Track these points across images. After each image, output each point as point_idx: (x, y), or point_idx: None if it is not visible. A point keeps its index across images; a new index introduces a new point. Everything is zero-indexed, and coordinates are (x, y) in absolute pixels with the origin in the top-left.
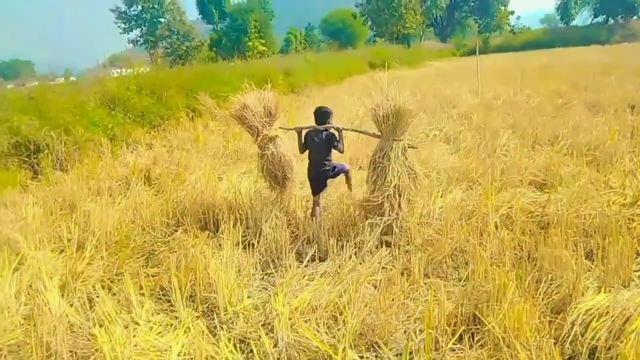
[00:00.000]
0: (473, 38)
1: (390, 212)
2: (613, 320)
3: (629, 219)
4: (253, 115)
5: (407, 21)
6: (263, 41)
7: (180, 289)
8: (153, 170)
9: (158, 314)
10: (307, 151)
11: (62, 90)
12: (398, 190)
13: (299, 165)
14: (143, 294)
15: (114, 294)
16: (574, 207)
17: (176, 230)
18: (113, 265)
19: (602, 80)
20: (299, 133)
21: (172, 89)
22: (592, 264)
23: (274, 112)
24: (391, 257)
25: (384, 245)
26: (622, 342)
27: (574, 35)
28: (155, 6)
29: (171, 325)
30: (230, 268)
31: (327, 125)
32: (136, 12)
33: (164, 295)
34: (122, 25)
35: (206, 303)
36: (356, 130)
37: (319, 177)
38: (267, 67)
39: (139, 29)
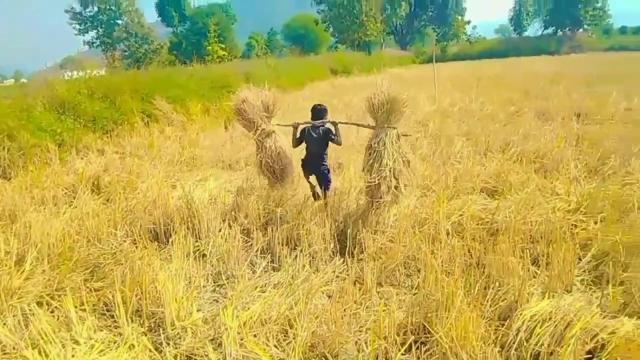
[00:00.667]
0: (431, 46)
1: (386, 195)
2: (555, 326)
3: (572, 225)
4: (252, 110)
5: (368, 29)
6: (223, 45)
7: (125, 303)
8: (103, 177)
9: (101, 330)
10: (305, 145)
11: (8, 93)
12: (394, 174)
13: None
14: (85, 310)
15: (52, 311)
16: (521, 214)
17: (124, 242)
18: (54, 279)
19: (551, 89)
20: (295, 128)
21: (126, 93)
22: (538, 269)
23: (271, 108)
24: (345, 266)
25: (338, 254)
26: (562, 347)
27: (526, 45)
28: (113, 8)
29: (114, 343)
30: (179, 280)
31: (324, 120)
32: (92, 14)
33: (107, 310)
34: (77, 27)
35: (153, 318)
36: (351, 124)
37: (315, 169)
38: (227, 71)
39: (95, 31)
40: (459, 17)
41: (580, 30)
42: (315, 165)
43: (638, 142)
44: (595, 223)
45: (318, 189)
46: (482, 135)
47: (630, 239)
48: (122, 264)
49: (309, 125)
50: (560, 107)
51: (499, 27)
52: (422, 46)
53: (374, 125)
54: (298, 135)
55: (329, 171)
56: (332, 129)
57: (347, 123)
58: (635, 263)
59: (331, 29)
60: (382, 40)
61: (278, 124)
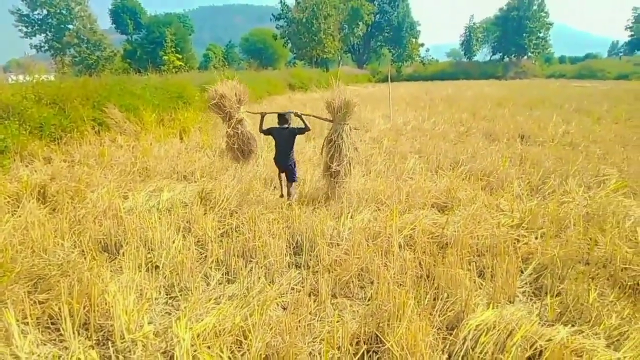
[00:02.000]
0: (387, 66)
1: (345, 177)
2: (499, 335)
3: (515, 239)
4: (229, 102)
5: (326, 46)
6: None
7: (71, 316)
8: (50, 186)
9: (44, 344)
10: (275, 143)
11: None
12: (348, 162)
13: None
14: (27, 324)
15: None
16: (469, 229)
17: (72, 253)
18: None
19: (498, 112)
20: (262, 116)
21: (76, 99)
22: (483, 281)
23: (242, 99)
24: (301, 278)
25: (293, 266)
26: (504, 354)
27: (476, 69)
28: (63, 12)
29: (59, 358)
30: (130, 292)
31: (289, 111)
32: (41, 17)
33: (52, 324)
34: (24, 29)
35: (101, 331)
36: (311, 115)
37: (283, 163)
38: (183, 82)
39: (43, 35)
40: (413, 40)
41: (525, 57)
42: (283, 161)
43: (574, 163)
44: (536, 238)
45: (284, 191)
46: (434, 153)
47: (567, 253)
48: (69, 276)
49: (276, 126)
50: (505, 129)
51: (450, 51)
52: (378, 65)
53: (332, 119)
54: (265, 128)
55: (295, 165)
56: (296, 128)
57: (309, 115)
58: (570, 275)
59: (290, 45)
60: (339, 58)
61: (248, 111)
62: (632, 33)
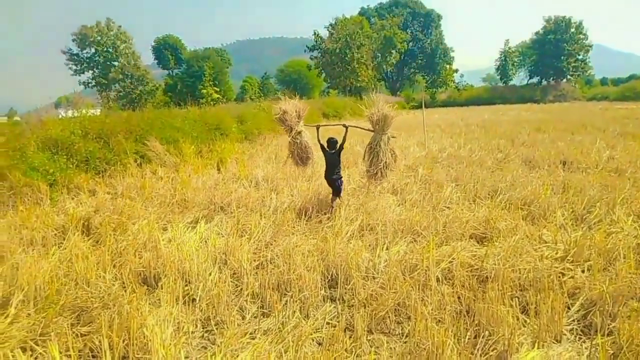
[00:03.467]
0: (421, 93)
1: (382, 178)
2: None
3: (560, 273)
4: (290, 117)
5: (359, 75)
6: (217, 88)
7: (111, 349)
8: (94, 219)
9: None
10: (325, 160)
11: (1, 131)
12: (385, 165)
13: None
14: (70, 356)
15: (36, 358)
16: (510, 262)
17: (113, 285)
18: (39, 324)
19: (537, 137)
20: (317, 128)
21: (120, 133)
22: (527, 318)
23: (301, 114)
24: (336, 313)
25: (329, 300)
26: None
27: (512, 93)
28: (109, 50)
29: None
30: (168, 326)
31: (339, 123)
32: (89, 55)
33: (93, 357)
34: (74, 67)
35: None
36: (357, 127)
37: (332, 179)
38: (220, 114)
39: (91, 71)
40: (447, 66)
41: (564, 80)
42: (331, 174)
43: (622, 190)
44: (583, 271)
45: (334, 200)
46: (471, 182)
47: (617, 288)
48: (110, 308)
49: (327, 150)
50: (546, 155)
51: (485, 76)
52: (412, 92)
53: (373, 130)
54: (320, 142)
55: (341, 178)
56: (339, 149)
57: (355, 126)
58: (622, 312)
59: (323, 75)
60: (373, 86)
61: (305, 125)
62: None
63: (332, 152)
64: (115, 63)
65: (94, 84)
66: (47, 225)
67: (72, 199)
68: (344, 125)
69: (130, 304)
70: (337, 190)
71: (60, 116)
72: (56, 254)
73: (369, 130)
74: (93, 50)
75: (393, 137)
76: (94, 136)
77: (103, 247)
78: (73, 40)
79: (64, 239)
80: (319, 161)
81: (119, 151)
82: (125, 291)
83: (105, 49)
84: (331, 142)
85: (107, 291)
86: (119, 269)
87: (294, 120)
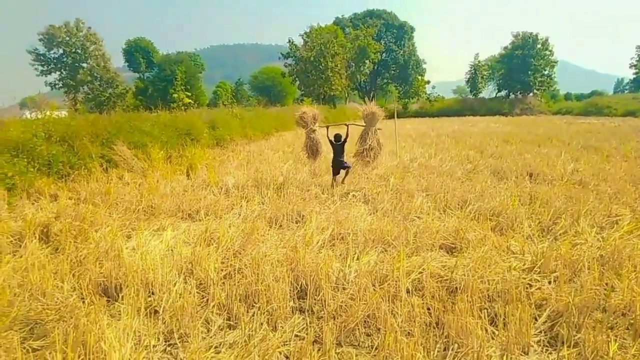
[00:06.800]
0: (394, 103)
1: (371, 161)
2: None
3: (527, 284)
4: (307, 117)
5: (333, 83)
6: (190, 93)
7: None
8: (54, 225)
9: None
10: (333, 152)
11: None
12: (370, 147)
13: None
14: None
15: None
16: (479, 272)
17: (70, 296)
18: None
19: (505, 149)
20: (327, 127)
21: (86, 137)
22: (496, 329)
23: (316, 117)
24: (304, 325)
25: (297, 311)
26: None
27: (482, 105)
28: (78, 51)
29: None
30: (128, 340)
31: (344, 123)
32: (56, 55)
33: None
34: (40, 68)
35: None
36: (355, 125)
37: (337, 165)
38: (191, 119)
39: (58, 72)
40: (419, 77)
41: (530, 94)
42: (339, 163)
43: (585, 202)
44: (549, 282)
45: (339, 180)
46: (441, 192)
47: (582, 299)
48: (66, 321)
49: (333, 140)
50: (513, 167)
51: (456, 88)
52: (385, 102)
53: (364, 124)
54: (329, 137)
55: (346, 162)
56: (343, 141)
57: (354, 124)
58: (587, 324)
59: (297, 82)
60: (346, 95)
61: (319, 125)
62: (637, 70)
63: (338, 143)
64: (84, 65)
65: (61, 85)
66: (1, 232)
67: (32, 204)
68: (346, 125)
69: (87, 317)
70: (344, 168)
71: (24, 117)
72: (10, 262)
73: (362, 125)
74: (61, 51)
75: (379, 129)
76: (58, 139)
77: (62, 255)
78: (40, 40)
79: (20, 246)
80: (326, 155)
81: (84, 155)
82: (84, 303)
83: (73, 50)
84: (337, 136)
85: (64, 302)
86: (78, 279)
87: (310, 121)
